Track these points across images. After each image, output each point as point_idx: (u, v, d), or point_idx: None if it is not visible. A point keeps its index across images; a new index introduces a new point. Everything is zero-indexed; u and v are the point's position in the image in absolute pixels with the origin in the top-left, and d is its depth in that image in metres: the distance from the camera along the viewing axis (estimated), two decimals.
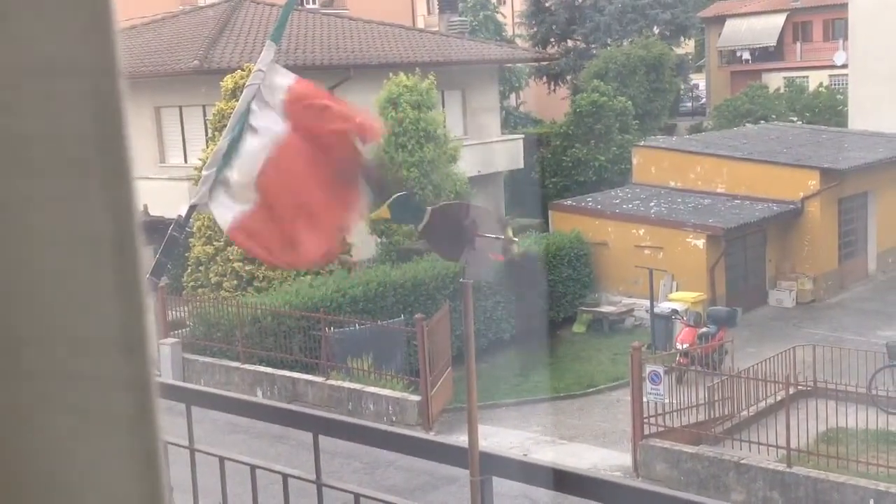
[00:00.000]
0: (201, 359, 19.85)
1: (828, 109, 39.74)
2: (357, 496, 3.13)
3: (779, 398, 15.91)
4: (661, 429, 15.85)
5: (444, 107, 26.80)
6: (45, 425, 0.62)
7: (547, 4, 44.78)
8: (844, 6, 37.54)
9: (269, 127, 3.99)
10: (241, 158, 3.98)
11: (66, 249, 0.62)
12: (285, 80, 4.07)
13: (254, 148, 3.99)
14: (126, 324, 0.65)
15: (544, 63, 42.30)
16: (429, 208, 3.71)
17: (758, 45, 51.44)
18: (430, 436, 12.94)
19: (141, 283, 0.66)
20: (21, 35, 0.60)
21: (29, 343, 0.61)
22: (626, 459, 15.86)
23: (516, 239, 3.79)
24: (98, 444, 0.64)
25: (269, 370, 19.02)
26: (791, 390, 15.26)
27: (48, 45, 0.60)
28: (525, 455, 13.58)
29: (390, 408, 17.60)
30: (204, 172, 4.08)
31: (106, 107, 0.63)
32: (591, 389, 19.63)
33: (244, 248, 4.25)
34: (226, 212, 3.98)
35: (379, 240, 22.92)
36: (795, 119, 38.46)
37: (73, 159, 0.62)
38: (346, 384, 18.13)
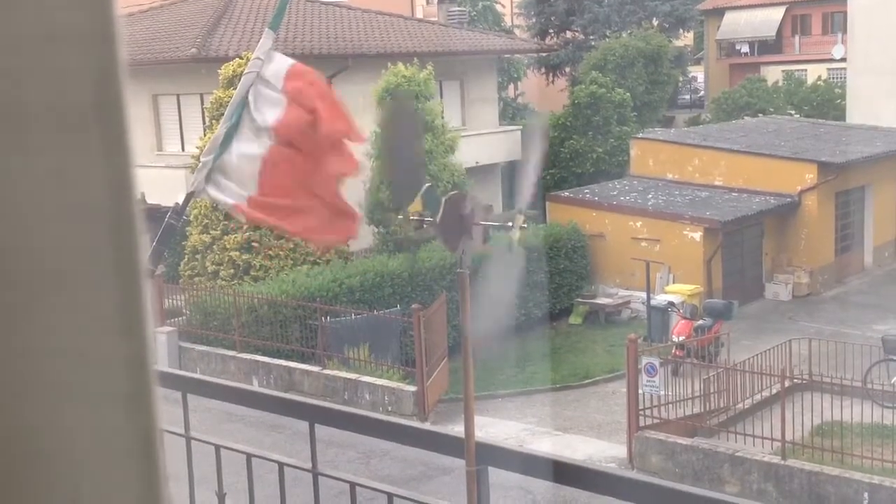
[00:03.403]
0: (197, 347, 19.85)
1: (826, 103, 39.73)
2: (353, 485, 3.13)
3: (774, 391, 15.94)
4: (656, 421, 15.88)
5: (442, 97, 26.77)
6: (41, 404, 0.61)
7: None
8: (843, 0, 37.52)
9: (266, 121, 3.99)
10: (241, 150, 3.98)
11: (63, 224, 0.61)
12: (283, 65, 4.07)
13: (253, 142, 3.98)
14: (124, 302, 0.64)
15: (543, 54, 42.25)
16: (443, 199, 3.72)
17: (757, 38, 51.41)
18: (426, 426, 12.96)
19: (140, 261, 0.65)
20: (20, 2, 0.59)
21: (25, 321, 0.60)
22: (621, 451, 15.89)
23: (522, 226, 3.81)
24: (95, 423, 0.63)
25: (265, 359, 19.02)
26: (786, 383, 15.29)
27: (47, 12, 0.60)
28: (521, 446, 13.59)
29: (386, 398, 17.62)
30: (202, 159, 4.08)
31: (105, 77, 0.62)
32: (587, 381, 19.65)
33: (254, 219, 4.28)
34: (229, 195, 3.98)
35: (376, 230, 22.92)
36: (793, 112, 38.47)
37: (71, 130, 0.61)
38: (343, 374, 18.15)
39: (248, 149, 3.95)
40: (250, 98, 3.98)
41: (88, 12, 0.61)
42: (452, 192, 3.80)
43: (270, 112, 3.95)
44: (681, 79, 46.40)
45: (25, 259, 0.61)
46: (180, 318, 20.56)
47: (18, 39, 0.59)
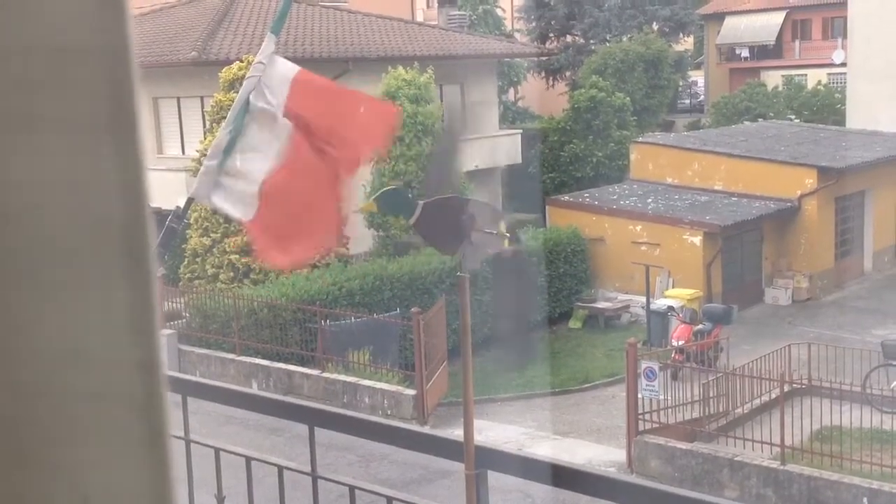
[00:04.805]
0: (197, 350, 19.85)
1: (826, 108, 39.76)
2: (352, 489, 3.14)
3: (773, 396, 15.93)
4: (655, 425, 15.87)
5: (442, 101, 26.78)
6: (52, 406, 0.62)
7: None
8: (843, 4, 37.56)
9: (272, 133, 3.99)
10: (246, 157, 3.98)
11: (76, 231, 0.63)
12: (288, 72, 4.07)
13: (257, 150, 3.99)
14: (135, 306, 0.65)
15: (543, 58, 42.26)
16: (420, 202, 3.69)
17: (757, 43, 51.44)
18: (426, 429, 12.96)
19: (150, 266, 0.67)
20: (35, 15, 0.60)
21: (36, 323, 0.61)
22: (620, 455, 15.89)
23: (508, 234, 3.78)
24: (105, 425, 0.64)
25: (264, 362, 19.02)
26: (786, 388, 15.29)
27: (62, 25, 0.61)
28: (520, 450, 13.59)
29: (385, 401, 17.61)
30: (205, 163, 4.08)
31: (119, 88, 0.63)
32: (587, 385, 19.65)
33: (256, 245, 4.34)
34: (237, 206, 3.99)
35: (376, 233, 22.92)
36: (793, 117, 38.48)
37: (85, 141, 0.62)
38: (342, 377, 18.14)
39: (254, 158, 3.95)
40: (253, 103, 3.98)
41: (102, 24, 0.62)
42: (438, 196, 3.77)
43: (277, 132, 3.96)
44: (681, 83, 46.44)
45: (38, 262, 0.62)
46: (180, 321, 20.56)
47: (33, 50, 0.60)
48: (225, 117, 4.21)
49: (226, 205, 4.02)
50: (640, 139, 29.97)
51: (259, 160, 3.95)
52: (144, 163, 0.66)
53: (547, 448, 16.17)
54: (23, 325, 0.61)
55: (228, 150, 3.98)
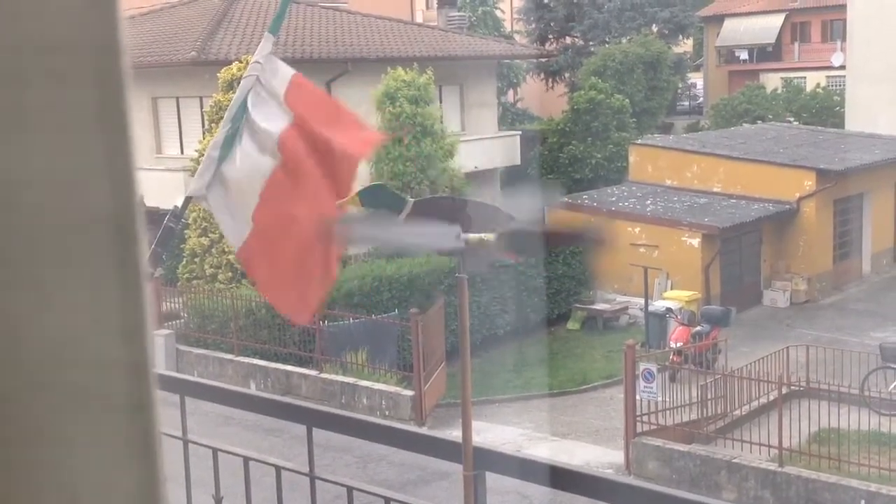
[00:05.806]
0: (195, 350, 19.85)
1: (825, 110, 39.78)
2: (350, 489, 3.14)
3: (771, 398, 15.93)
4: (653, 427, 15.87)
5: (441, 102, 26.78)
6: (42, 409, 0.62)
7: (546, 1, 44.75)
8: (843, 7, 37.60)
9: (271, 131, 3.96)
10: (241, 165, 3.96)
11: (65, 229, 0.62)
12: (286, 75, 4.05)
13: (253, 162, 3.96)
14: (125, 307, 0.64)
15: (542, 59, 42.27)
16: (410, 200, 3.66)
17: (756, 45, 51.46)
18: (424, 430, 12.94)
19: (141, 266, 0.66)
20: (25, 11, 0.60)
21: (26, 323, 0.61)
22: (618, 457, 15.88)
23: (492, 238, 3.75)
24: (95, 428, 0.63)
25: (262, 363, 19.01)
26: (784, 390, 15.29)
27: (52, 21, 0.60)
28: (518, 451, 13.58)
29: (384, 402, 17.60)
30: (203, 162, 4.07)
31: (108, 85, 0.63)
32: (585, 386, 19.64)
33: (245, 265, 4.29)
34: (228, 225, 3.96)
35: None
36: (792, 119, 38.50)
37: (74, 137, 0.62)
38: (340, 378, 18.13)
39: (251, 165, 3.92)
40: (250, 104, 3.97)
41: (92, 22, 0.62)
42: (433, 195, 3.75)
43: (275, 123, 3.93)
44: (680, 85, 46.45)
45: (27, 262, 0.61)
46: (178, 322, 20.56)
47: (22, 47, 0.60)
48: (223, 117, 4.20)
49: (221, 216, 4.00)
50: (639, 141, 29.98)
51: (253, 171, 3.92)
52: (135, 160, 0.65)
53: (545, 449, 16.16)
54: (11, 325, 0.60)
55: (226, 149, 3.97)
